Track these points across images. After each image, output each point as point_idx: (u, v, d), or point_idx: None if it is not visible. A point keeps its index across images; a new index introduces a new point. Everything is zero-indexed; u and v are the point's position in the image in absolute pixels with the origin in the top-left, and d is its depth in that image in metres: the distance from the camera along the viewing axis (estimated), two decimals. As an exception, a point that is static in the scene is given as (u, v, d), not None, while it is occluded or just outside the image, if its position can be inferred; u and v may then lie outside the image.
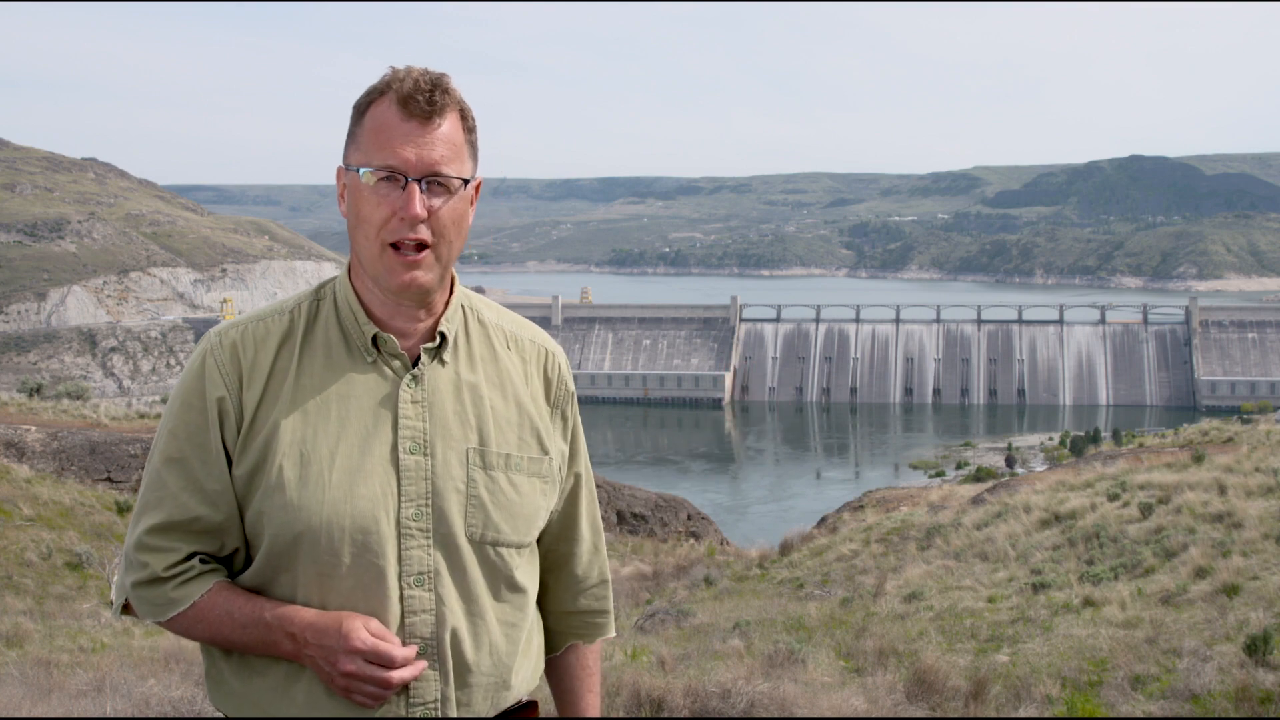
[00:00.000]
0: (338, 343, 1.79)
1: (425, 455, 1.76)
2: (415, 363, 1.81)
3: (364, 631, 1.68)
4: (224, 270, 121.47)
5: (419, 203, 1.71)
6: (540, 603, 2.00)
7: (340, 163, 1.81)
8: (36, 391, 31.96)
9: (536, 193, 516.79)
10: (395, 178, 1.71)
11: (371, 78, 1.77)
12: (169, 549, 1.72)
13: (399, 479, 1.74)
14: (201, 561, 1.75)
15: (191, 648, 7.41)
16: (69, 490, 16.34)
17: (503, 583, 1.83)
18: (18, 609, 11.04)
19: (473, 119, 1.80)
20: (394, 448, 1.75)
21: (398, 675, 1.69)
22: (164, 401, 40.92)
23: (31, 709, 5.65)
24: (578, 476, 2.00)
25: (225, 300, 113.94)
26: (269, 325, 1.79)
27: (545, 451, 1.89)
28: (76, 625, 10.25)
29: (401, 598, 1.73)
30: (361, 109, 1.76)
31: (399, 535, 1.73)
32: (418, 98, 1.71)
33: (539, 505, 1.88)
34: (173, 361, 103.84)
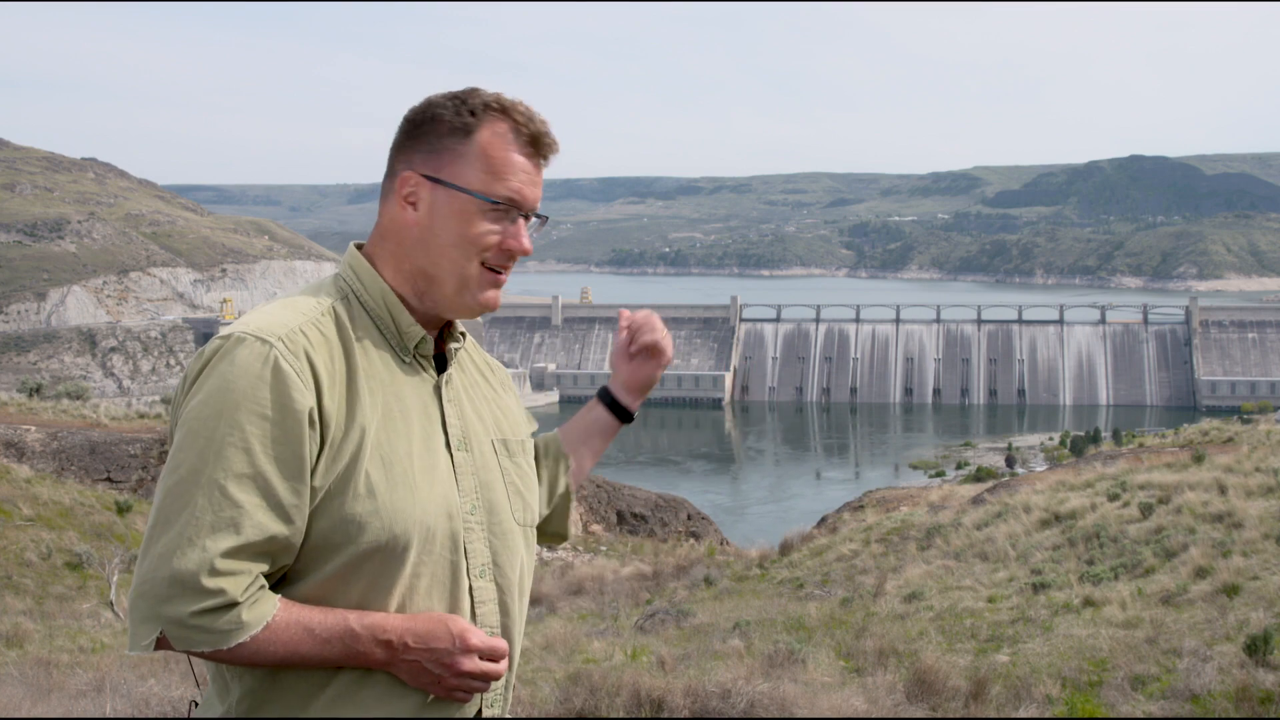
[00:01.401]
0: (381, 344, 1.80)
1: (468, 451, 1.83)
2: (440, 362, 1.86)
3: (476, 630, 1.72)
4: (224, 270, 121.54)
5: (529, 239, 1.84)
6: None
7: (416, 169, 1.78)
8: (36, 391, 31.99)
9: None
10: (508, 209, 1.80)
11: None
12: (244, 572, 1.61)
13: (456, 475, 1.80)
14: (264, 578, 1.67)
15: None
16: (69, 490, 16.35)
17: (532, 559, 1.95)
18: (18, 609, 11.04)
19: None
20: (446, 445, 1.80)
21: (503, 667, 1.75)
22: (165, 402, 40.11)
23: (31, 709, 5.65)
24: None
25: (225, 300, 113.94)
26: (322, 328, 1.74)
27: (532, 431, 2.02)
28: (76, 625, 10.25)
29: (470, 590, 1.78)
30: (469, 129, 1.77)
31: (464, 530, 1.79)
32: (547, 141, 1.83)
33: (536, 479, 2.01)
34: (172, 361, 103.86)
